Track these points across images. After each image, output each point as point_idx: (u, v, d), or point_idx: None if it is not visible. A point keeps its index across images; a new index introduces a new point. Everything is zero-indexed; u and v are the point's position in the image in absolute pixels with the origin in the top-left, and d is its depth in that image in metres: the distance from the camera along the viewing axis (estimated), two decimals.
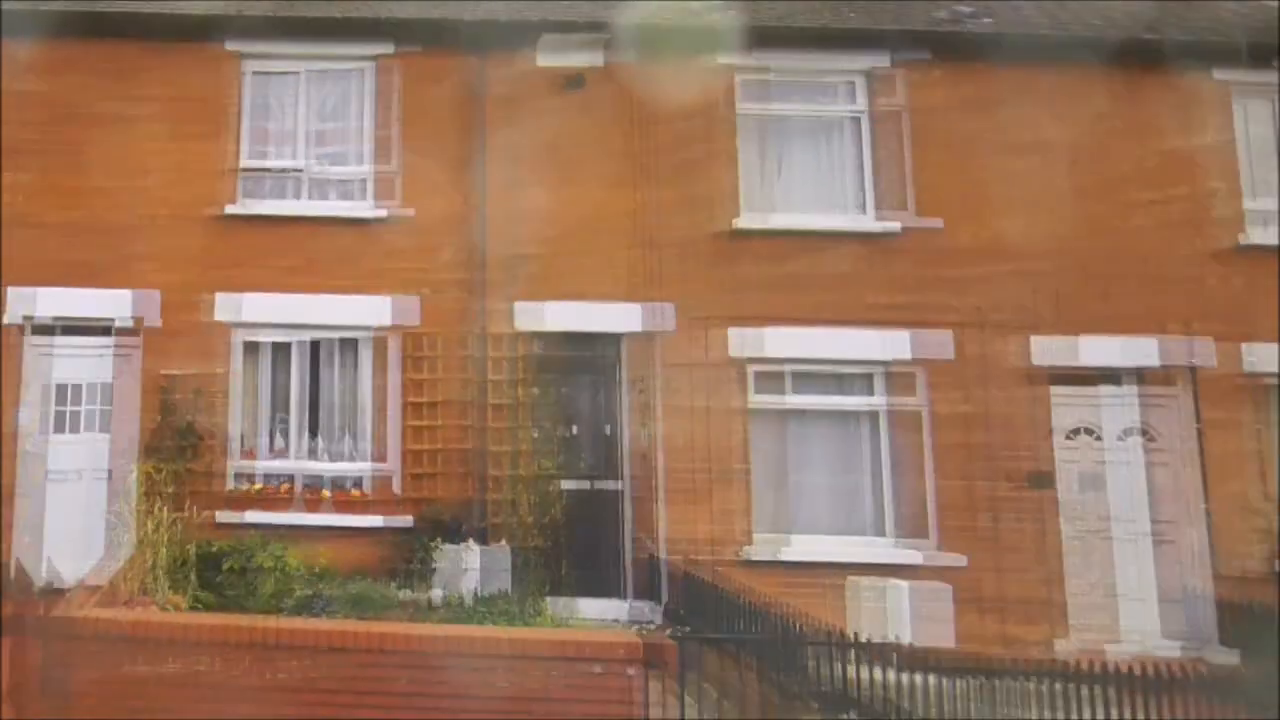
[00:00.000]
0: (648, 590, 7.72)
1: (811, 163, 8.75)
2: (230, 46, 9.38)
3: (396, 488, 8.41)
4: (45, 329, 9.40)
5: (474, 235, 8.32)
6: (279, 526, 8.45)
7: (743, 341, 8.13)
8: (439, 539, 7.78)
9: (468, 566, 7.55)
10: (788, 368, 8.17)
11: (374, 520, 8.27)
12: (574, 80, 8.18)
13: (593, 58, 8.21)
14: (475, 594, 7.41)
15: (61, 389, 9.30)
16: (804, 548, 7.83)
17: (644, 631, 6.62)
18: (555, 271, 8.05)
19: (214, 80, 9.36)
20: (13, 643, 7.99)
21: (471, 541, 7.66)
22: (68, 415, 9.27)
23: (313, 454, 8.65)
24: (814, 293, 8.14)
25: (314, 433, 8.66)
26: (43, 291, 9.34)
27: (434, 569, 7.71)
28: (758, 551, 7.87)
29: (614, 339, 8.01)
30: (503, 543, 7.80)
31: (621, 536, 7.78)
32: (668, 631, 6.46)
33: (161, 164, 9.27)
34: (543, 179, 8.23)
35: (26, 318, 9.37)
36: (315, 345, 8.77)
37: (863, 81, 8.74)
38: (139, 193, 9.29)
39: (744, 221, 8.40)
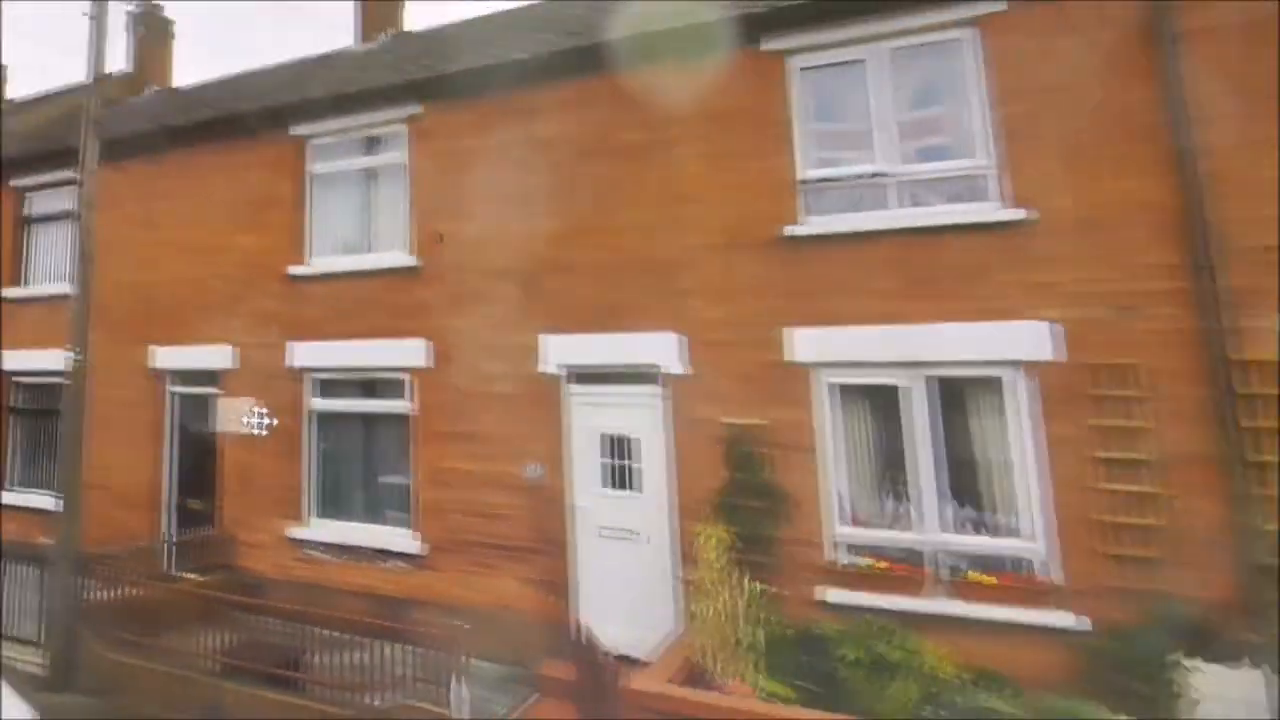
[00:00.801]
0: None
1: None
2: (768, 46, 8.01)
3: (1061, 575, 6.39)
4: (587, 377, 8.54)
5: (1186, 228, 6.11)
6: (906, 614, 6.75)
7: None
8: (1180, 652, 5.60)
9: (1241, 696, 5.31)
10: None
11: (1055, 617, 6.29)
12: None
13: None
14: None
15: (609, 440, 8.36)
16: None
17: None
18: None
19: (754, 87, 8.05)
20: (578, 710, 7.06)
21: (1248, 663, 5.41)
22: (617, 469, 8.30)
23: (948, 525, 6.86)
24: None
25: (948, 498, 6.88)
26: (581, 338, 8.49)
27: (1174, 694, 5.55)
28: None
29: None
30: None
31: None
32: None
33: (704, 189, 8.12)
34: None
35: (566, 366, 8.55)
36: (938, 387, 7.01)
37: None
38: (680, 223, 8.20)
39: None
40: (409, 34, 12.76)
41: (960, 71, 7.27)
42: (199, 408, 11.17)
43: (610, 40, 8.79)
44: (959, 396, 6.93)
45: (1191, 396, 5.99)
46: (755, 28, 8.07)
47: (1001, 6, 7.08)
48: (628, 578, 8.10)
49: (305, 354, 10.28)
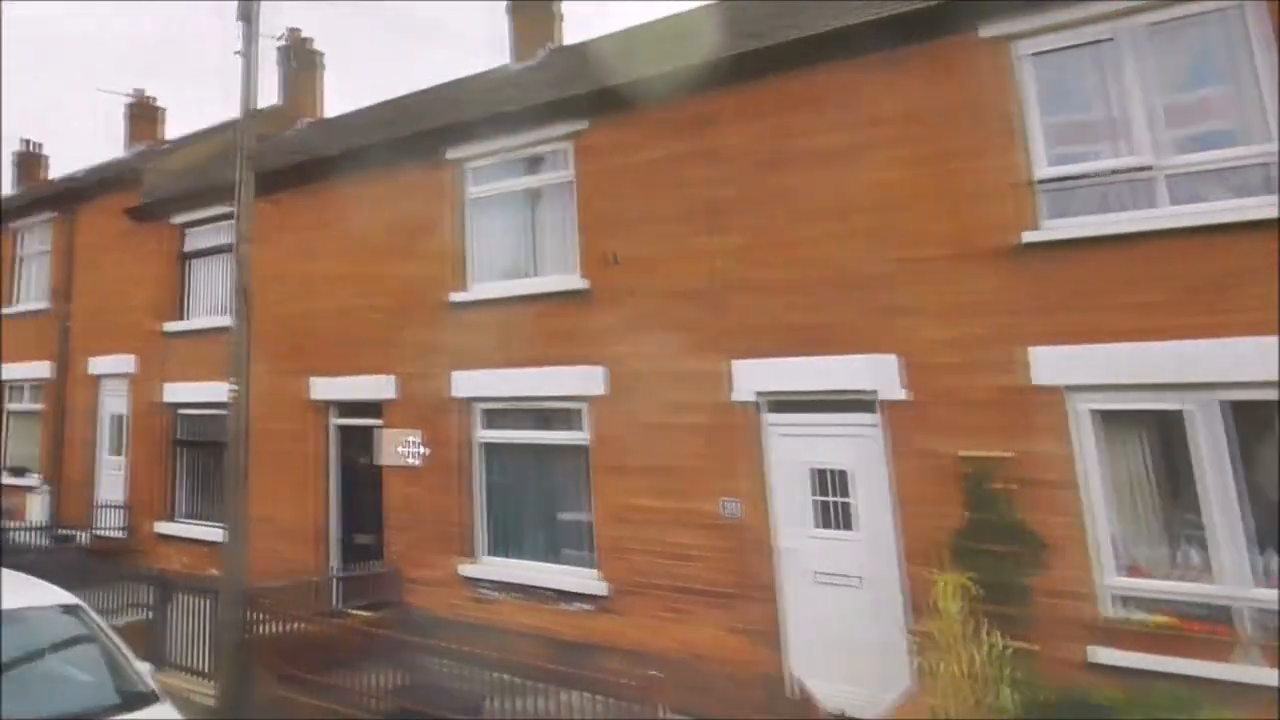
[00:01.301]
0: None
1: None
2: (987, 32, 7.14)
3: None
4: (788, 405, 7.79)
5: None
6: (1204, 680, 5.72)
7: None
8: None
9: None
10: None
11: None
12: None
13: None
14: None
15: (819, 475, 7.59)
16: None
17: None
18: None
19: (973, 79, 7.19)
20: None
21: None
22: (831, 507, 7.50)
23: (1260, 576, 5.81)
24: None
25: (1257, 545, 5.84)
26: (779, 363, 7.75)
27: None
28: None
29: None
30: None
31: None
32: None
33: (915, 195, 7.30)
34: None
35: (762, 394, 7.82)
36: (1229, 413, 5.98)
37: None
38: (889, 233, 7.41)
39: None
40: (568, 48, 12.36)
41: (1238, 45, 6.24)
42: (362, 439, 10.92)
43: (794, 39, 8.07)
44: (1259, 423, 5.87)
45: None
46: (970, 13, 7.21)
47: None
48: (847, 628, 7.29)
49: (470, 383, 9.88)
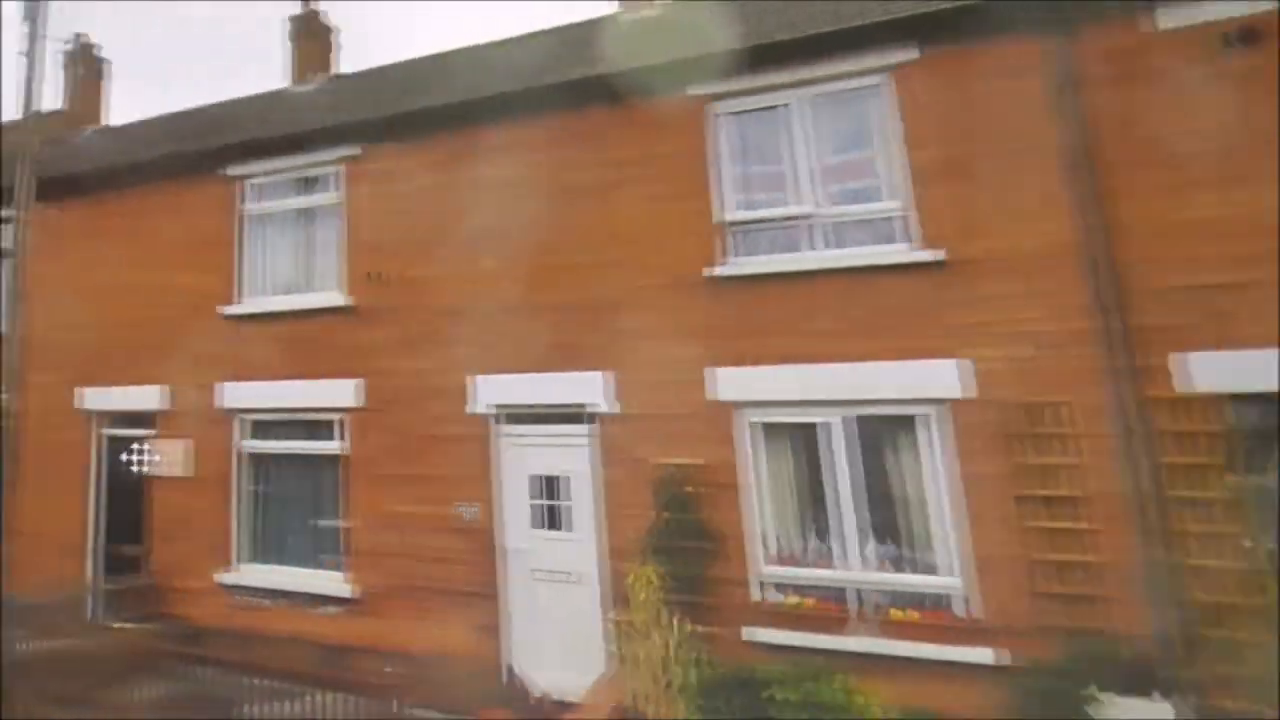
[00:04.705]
0: None
1: None
2: (694, 91, 8.15)
3: (980, 609, 6.47)
4: (517, 417, 8.53)
5: (1093, 269, 6.26)
6: (830, 652, 6.77)
7: None
8: (1096, 686, 5.67)
9: None
10: None
11: (975, 653, 6.34)
12: (1239, 35, 5.97)
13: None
14: None
15: (541, 481, 8.35)
16: None
17: None
18: (1263, 304, 5.77)
19: (682, 130, 8.18)
20: None
21: (1158, 695, 5.49)
22: (552, 510, 8.28)
23: (869, 562, 6.91)
24: None
25: (870, 537, 6.93)
26: (511, 378, 8.50)
27: None
28: None
29: None
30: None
31: None
32: None
33: (639, 230, 8.18)
34: (1199, 179, 6.05)
35: (497, 406, 8.54)
36: (857, 425, 7.08)
37: None
38: (619, 264, 8.25)
39: None
40: (347, 76, 12.78)
41: (879, 116, 7.46)
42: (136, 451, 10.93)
43: (548, 84, 8.85)
44: (878, 435, 7.02)
45: (1110, 435, 6.14)
46: (684, 74, 8.14)
47: (914, 54, 7.23)
48: (559, 620, 8.04)
49: (236, 395, 10.14)
